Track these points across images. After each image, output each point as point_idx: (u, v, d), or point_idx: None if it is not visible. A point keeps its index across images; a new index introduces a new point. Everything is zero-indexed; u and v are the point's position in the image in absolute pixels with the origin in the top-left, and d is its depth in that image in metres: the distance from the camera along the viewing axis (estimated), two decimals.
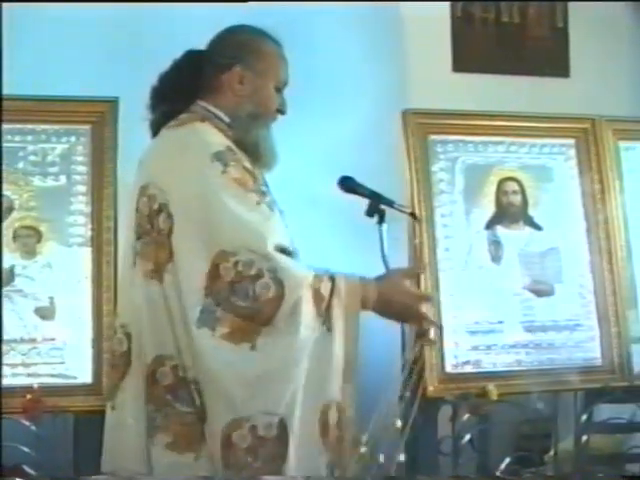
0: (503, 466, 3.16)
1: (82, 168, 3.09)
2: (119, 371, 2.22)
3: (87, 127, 3.11)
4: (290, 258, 2.17)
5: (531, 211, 3.42)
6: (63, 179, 3.08)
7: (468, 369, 3.21)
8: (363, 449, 2.17)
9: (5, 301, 2.90)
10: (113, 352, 2.27)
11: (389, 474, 2.22)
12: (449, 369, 3.18)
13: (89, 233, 3.04)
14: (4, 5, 3.15)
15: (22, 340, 2.92)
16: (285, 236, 2.24)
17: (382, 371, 2.63)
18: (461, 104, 3.50)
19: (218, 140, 2.24)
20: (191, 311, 2.10)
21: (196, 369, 2.11)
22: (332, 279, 2.17)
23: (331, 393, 2.15)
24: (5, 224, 2.97)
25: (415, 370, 2.46)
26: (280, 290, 2.09)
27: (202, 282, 2.09)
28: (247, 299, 2.09)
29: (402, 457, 2.23)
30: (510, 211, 3.41)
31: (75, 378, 2.93)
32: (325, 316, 2.14)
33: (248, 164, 2.27)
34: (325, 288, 2.15)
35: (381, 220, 2.36)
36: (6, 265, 2.94)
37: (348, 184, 2.40)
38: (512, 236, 3.38)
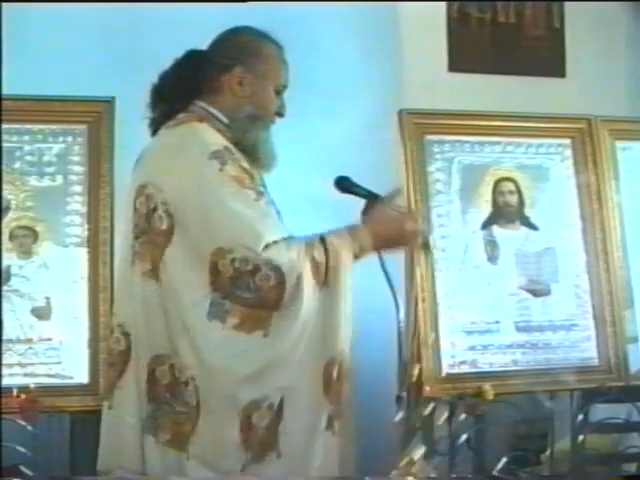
0: (500, 466, 3.16)
1: (78, 168, 3.09)
2: (117, 370, 2.22)
3: (84, 127, 3.11)
4: (280, 242, 2.17)
5: (527, 211, 3.42)
6: (59, 179, 3.08)
7: (465, 369, 3.21)
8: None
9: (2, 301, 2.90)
10: (111, 351, 2.28)
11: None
12: (446, 369, 3.18)
13: (85, 233, 3.04)
14: (4, 5, 3.15)
15: (18, 340, 2.92)
16: (283, 233, 2.24)
17: (379, 371, 2.64)
18: (458, 104, 3.50)
19: (216, 140, 2.25)
20: (195, 308, 2.11)
21: (197, 366, 2.12)
22: (323, 241, 2.20)
23: (333, 348, 2.17)
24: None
25: (411, 370, 2.47)
26: (280, 276, 2.11)
27: (204, 279, 2.11)
28: (250, 291, 2.11)
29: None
30: (506, 211, 3.41)
31: (71, 378, 2.93)
32: (324, 278, 2.17)
33: (246, 164, 2.27)
34: (319, 253, 2.18)
35: None
36: (2, 265, 2.94)
37: (344, 184, 2.40)
38: (508, 236, 3.38)
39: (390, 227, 2.30)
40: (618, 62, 4.12)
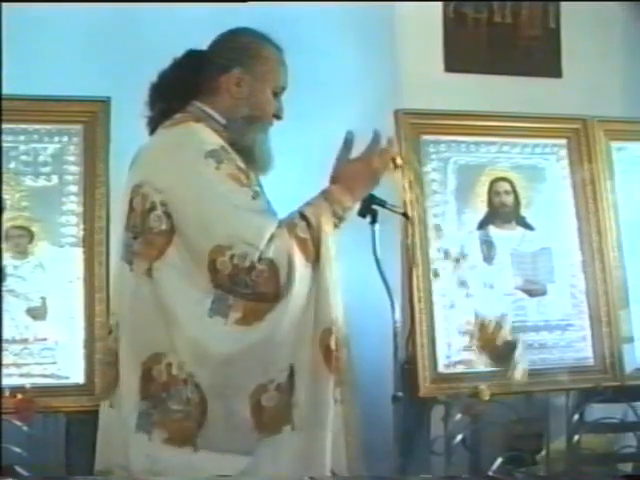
0: (495, 466, 3.16)
1: (74, 168, 3.08)
2: (115, 369, 2.23)
3: (79, 127, 3.10)
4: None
5: (523, 211, 3.42)
6: (55, 179, 3.07)
7: (460, 369, 3.21)
8: None
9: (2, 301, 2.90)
10: (109, 350, 2.28)
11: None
12: (441, 369, 3.18)
13: (81, 233, 3.03)
14: (4, 5, 3.14)
15: (14, 340, 2.91)
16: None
17: (375, 371, 2.64)
18: (453, 104, 3.49)
19: (212, 139, 2.25)
20: (196, 306, 2.12)
21: (198, 361, 2.13)
22: (303, 215, 2.22)
23: (327, 317, 2.20)
24: None
25: (407, 370, 2.47)
26: (273, 266, 2.14)
27: (204, 277, 2.13)
28: (247, 288, 2.13)
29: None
30: (502, 211, 3.41)
31: (67, 378, 2.93)
32: (313, 252, 2.20)
33: (242, 164, 2.27)
34: (302, 229, 2.20)
35: (373, 220, 2.37)
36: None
37: None
38: (504, 236, 3.39)
39: (359, 173, 2.32)
40: (614, 62, 4.12)
